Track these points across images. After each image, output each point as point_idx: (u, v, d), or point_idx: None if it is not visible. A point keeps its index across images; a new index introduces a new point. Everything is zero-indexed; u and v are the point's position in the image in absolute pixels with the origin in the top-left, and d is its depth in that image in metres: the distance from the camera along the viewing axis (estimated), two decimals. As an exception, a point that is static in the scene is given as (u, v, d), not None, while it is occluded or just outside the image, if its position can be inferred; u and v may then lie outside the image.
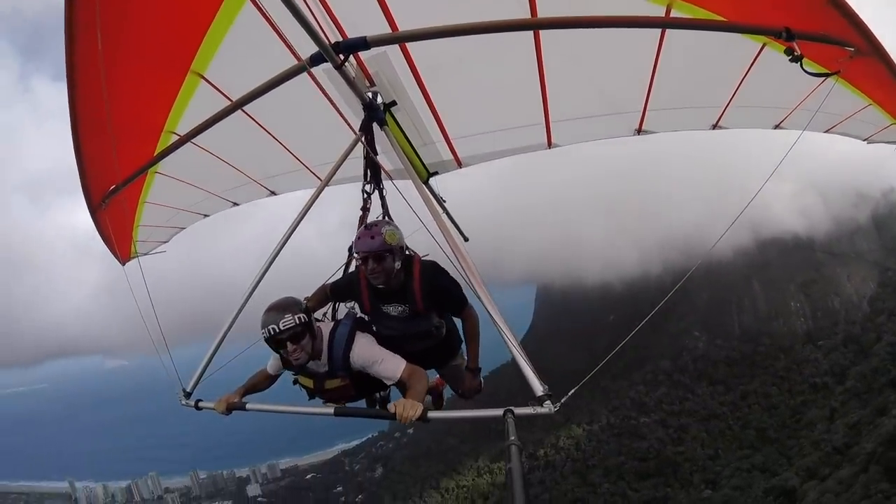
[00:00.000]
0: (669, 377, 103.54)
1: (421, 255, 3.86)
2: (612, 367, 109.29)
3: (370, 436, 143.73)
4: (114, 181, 3.92)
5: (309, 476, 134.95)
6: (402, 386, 3.29)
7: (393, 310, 3.59)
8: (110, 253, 5.12)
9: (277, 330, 2.99)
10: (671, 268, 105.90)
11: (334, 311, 4.14)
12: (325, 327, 3.38)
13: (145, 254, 5.60)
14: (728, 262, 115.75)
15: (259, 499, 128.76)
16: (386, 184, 4.33)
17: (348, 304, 3.98)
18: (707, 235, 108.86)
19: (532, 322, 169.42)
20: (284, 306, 3.08)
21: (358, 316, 3.67)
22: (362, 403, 3.79)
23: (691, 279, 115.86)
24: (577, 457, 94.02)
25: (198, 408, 3.53)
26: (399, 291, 3.51)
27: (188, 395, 3.61)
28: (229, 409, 3.39)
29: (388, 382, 3.38)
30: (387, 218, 4.37)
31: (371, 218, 4.18)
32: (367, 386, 3.57)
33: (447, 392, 4.89)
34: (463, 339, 4.00)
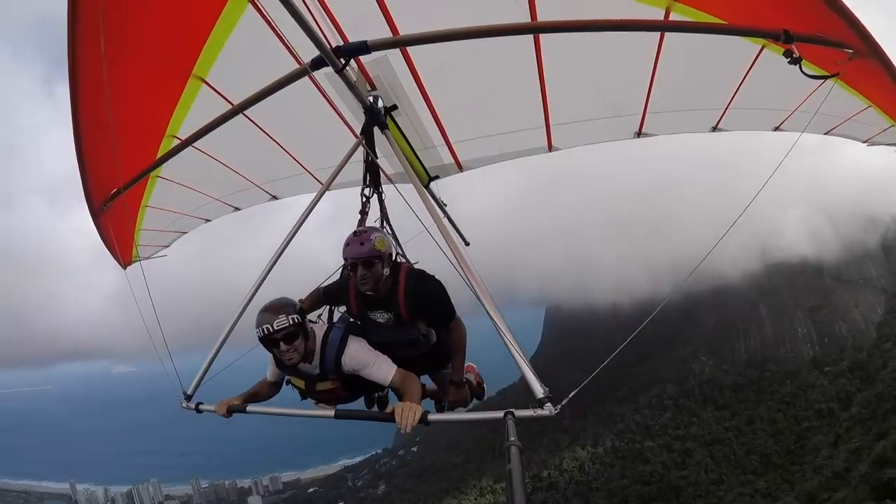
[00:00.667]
0: (675, 401, 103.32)
1: (411, 263, 3.86)
2: (617, 391, 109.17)
3: (374, 452, 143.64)
4: (115, 185, 3.90)
5: (311, 490, 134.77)
6: (395, 391, 3.30)
7: (380, 317, 3.57)
8: (121, 249, 5.07)
9: (271, 329, 3.03)
10: (680, 289, 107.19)
11: (330, 314, 4.12)
12: (319, 330, 3.39)
13: (147, 258, 5.53)
14: (736, 286, 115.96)
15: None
16: (387, 188, 4.28)
17: (340, 309, 3.96)
18: (717, 258, 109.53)
19: (540, 343, 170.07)
20: (279, 307, 3.11)
21: (351, 320, 3.64)
22: (361, 404, 3.77)
23: (699, 303, 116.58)
24: (580, 479, 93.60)
25: (198, 410, 3.53)
26: (386, 299, 3.49)
27: (189, 397, 3.61)
28: (230, 411, 3.41)
29: (382, 385, 3.38)
30: (384, 223, 4.39)
31: (370, 222, 4.21)
32: (359, 388, 3.60)
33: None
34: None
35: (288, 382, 3.61)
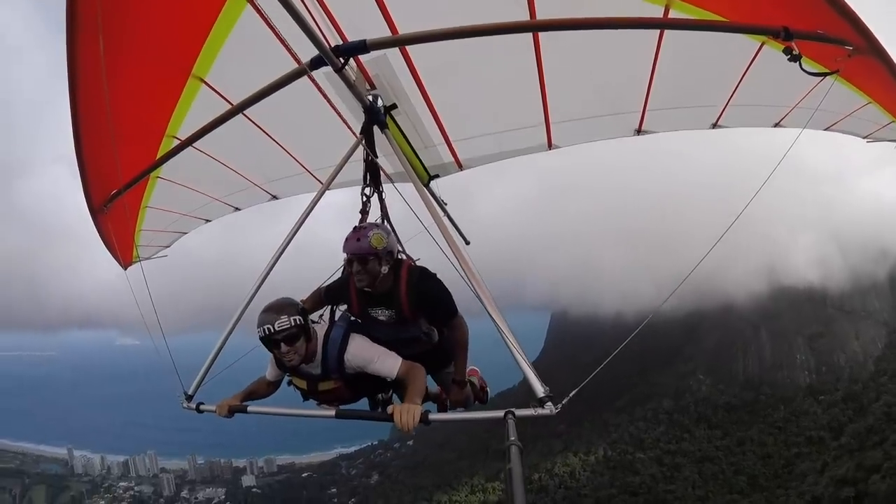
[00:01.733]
0: (670, 416, 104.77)
1: (413, 260, 3.83)
2: (614, 401, 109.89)
3: (370, 443, 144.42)
4: (115, 186, 3.87)
5: (305, 474, 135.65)
6: (401, 384, 3.23)
7: (381, 314, 3.57)
8: (121, 249, 5.01)
9: (272, 330, 2.99)
10: (684, 305, 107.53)
11: (332, 313, 4.07)
12: (320, 329, 3.35)
13: (147, 258, 5.51)
14: (740, 307, 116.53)
15: (254, 489, 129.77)
16: (386, 187, 4.27)
17: (341, 308, 3.93)
18: (723, 277, 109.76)
19: (543, 348, 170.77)
20: (281, 307, 3.06)
21: (352, 318, 3.63)
22: (364, 405, 3.74)
23: (703, 321, 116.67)
24: (570, 485, 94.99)
25: (199, 411, 3.51)
26: (386, 296, 3.49)
27: (189, 397, 3.57)
28: (231, 411, 3.38)
29: (388, 379, 3.31)
30: (384, 222, 4.35)
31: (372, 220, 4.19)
32: (362, 388, 3.57)
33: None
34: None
35: (290, 384, 3.56)
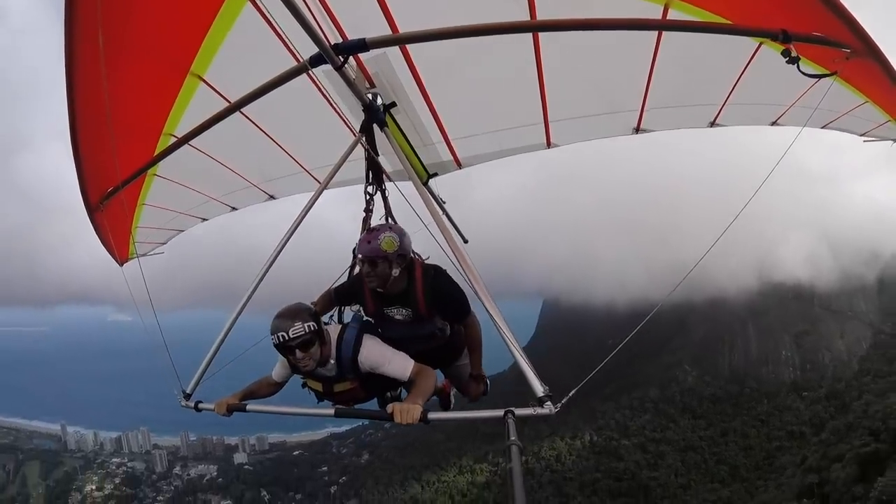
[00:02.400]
0: (655, 405, 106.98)
1: (423, 259, 3.84)
2: (602, 389, 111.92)
3: (361, 423, 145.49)
4: (112, 183, 3.86)
5: (296, 452, 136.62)
6: (412, 385, 3.23)
7: (396, 313, 3.59)
8: (118, 246, 5.00)
9: (287, 337, 2.98)
10: (674, 297, 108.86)
11: (340, 314, 4.12)
12: (333, 331, 3.35)
13: (144, 255, 5.51)
14: (730, 301, 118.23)
15: (245, 466, 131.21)
16: (389, 185, 4.30)
17: (353, 308, 3.94)
18: (714, 273, 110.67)
19: (534, 335, 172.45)
20: (294, 313, 3.04)
21: (364, 319, 3.62)
22: (374, 402, 3.76)
23: (692, 313, 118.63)
24: (556, 468, 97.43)
25: (197, 409, 3.48)
26: (402, 295, 3.52)
27: (188, 396, 3.54)
28: (230, 410, 3.38)
29: (401, 380, 3.34)
30: (391, 220, 4.37)
31: (375, 219, 4.22)
32: (377, 387, 3.58)
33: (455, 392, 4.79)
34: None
35: (304, 386, 3.57)
